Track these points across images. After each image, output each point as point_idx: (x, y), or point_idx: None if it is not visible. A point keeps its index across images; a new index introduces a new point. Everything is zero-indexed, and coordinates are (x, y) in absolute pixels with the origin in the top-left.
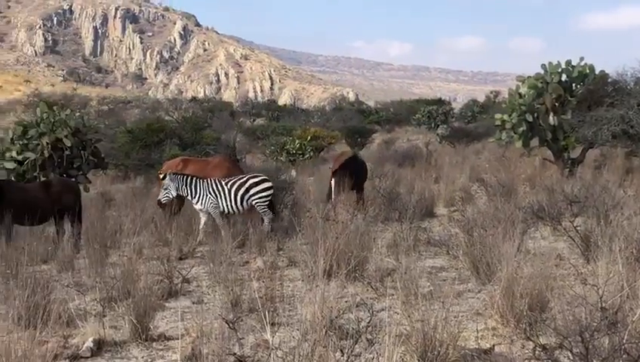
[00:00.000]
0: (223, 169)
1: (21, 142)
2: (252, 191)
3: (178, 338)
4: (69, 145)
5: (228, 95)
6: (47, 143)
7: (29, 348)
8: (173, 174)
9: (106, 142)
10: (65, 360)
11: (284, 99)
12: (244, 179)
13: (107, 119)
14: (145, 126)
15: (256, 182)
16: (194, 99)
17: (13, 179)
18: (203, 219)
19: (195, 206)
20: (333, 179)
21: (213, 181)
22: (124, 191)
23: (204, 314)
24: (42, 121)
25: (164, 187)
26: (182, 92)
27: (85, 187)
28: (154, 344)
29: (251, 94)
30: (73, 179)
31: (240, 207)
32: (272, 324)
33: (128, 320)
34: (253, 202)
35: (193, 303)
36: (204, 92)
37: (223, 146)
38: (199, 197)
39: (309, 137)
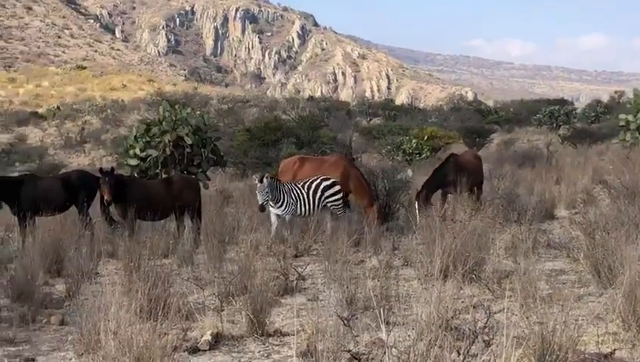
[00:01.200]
0: (339, 167)
1: (144, 140)
2: (327, 194)
3: (294, 334)
4: (190, 143)
5: (345, 94)
6: (169, 141)
7: (150, 340)
8: (271, 178)
9: (225, 141)
10: (184, 352)
11: (401, 99)
12: (317, 181)
13: (226, 118)
14: (263, 125)
15: (329, 185)
16: (311, 98)
17: (136, 175)
18: (276, 222)
19: (275, 210)
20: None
21: (291, 185)
22: (242, 188)
23: (319, 311)
24: (164, 119)
25: (265, 190)
26: (299, 91)
27: (205, 184)
28: (270, 339)
29: (368, 94)
30: (193, 177)
31: (316, 210)
32: (387, 323)
33: (245, 315)
34: (329, 204)
35: (308, 300)
36: (321, 91)
37: (340, 145)
38: (283, 202)
39: (425, 137)
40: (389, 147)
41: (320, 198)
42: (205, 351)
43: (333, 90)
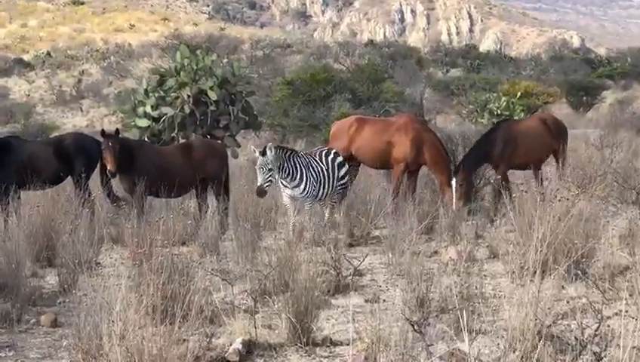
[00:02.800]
0: (409, 131)
1: (157, 95)
2: (342, 173)
3: (348, 344)
4: (215, 98)
5: (414, 38)
6: (189, 96)
7: (166, 347)
8: (278, 148)
9: (259, 96)
10: None
11: (486, 45)
12: (331, 155)
13: (262, 67)
14: (308, 76)
15: (342, 162)
16: (371, 42)
17: (146, 139)
18: (290, 208)
19: (291, 191)
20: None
21: (310, 158)
22: None
23: (380, 314)
24: (183, 68)
25: (268, 166)
26: (355, 34)
27: (234, 152)
28: (317, 349)
29: (444, 37)
30: (219, 142)
31: (332, 193)
32: (469, 330)
33: (285, 318)
34: (339, 188)
35: (367, 301)
36: (384, 34)
37: (408, 104)
38: (302, 180)
39: (518, 94)
40: (471, 106)
41: (337, 177)
42: None
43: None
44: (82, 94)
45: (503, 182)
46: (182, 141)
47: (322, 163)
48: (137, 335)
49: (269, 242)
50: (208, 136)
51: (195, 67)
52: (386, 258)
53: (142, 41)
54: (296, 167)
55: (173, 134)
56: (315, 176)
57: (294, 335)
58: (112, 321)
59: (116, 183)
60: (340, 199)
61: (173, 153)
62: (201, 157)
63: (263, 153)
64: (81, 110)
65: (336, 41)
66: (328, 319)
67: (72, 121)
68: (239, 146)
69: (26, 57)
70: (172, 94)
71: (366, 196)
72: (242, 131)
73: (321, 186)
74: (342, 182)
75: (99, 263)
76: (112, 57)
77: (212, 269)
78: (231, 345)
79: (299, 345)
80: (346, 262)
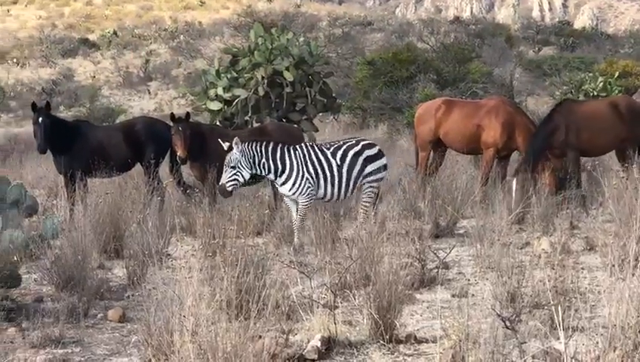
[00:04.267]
0: (500, 114)
1: (229, 76)
2: (370, 169)
3: (434, 341)
4: (291, 80)
5: (503, 14)
6: (263, 77)
7: (240, 344)
8: (247, 143)
9: (338, 77)
10: (285, 361)
11: (581, 21)
12: (357, 147)
13: (340, 46)
14: (390, 56)
15: (373, 155)
16: (457, 19)
17: (218, 123)
18: (292, 208)
19: (282, 189)
20: None
21: (309, 151)
22: None
23: (469, 310)
24: (257, 48)
25: (231, 164)
26: (440, 10)
27: (311, 136)
28: (400, 347)
29: (536, 13)
30: (296, 126)
31: (349, 193)
32: (565, 327)
33: (367, 314)
34: (366, 185)
35: (454, 296)
36: (471, 10)
37: (496, 85)
38: (290, 175)
39: (616, 74)
40: (565, 87)
41: (359, 175)
42: (313, 360)
43: (488, 9)
44: (150, 76)
45: (574, 171)
46: (256, 125)
47: (334, 157)
48: (210, 330)
49: (350, 233)
50: (284, 120)
51: (269, 46)
52: (474, 250)
53: (213, 19)
54: (283, 163)
55: (247, 118)
56: (314, 172)
57: (376, 332)
58: (184, 316)
59: (187, 170)
60: (371, 200)
61: (246, 137)
62: None
63: (229, 148)
64: (149, 92)
65: (420, 18)
66: (412, 315)
67: (140, 104)
68: (317, 130)
69: (91, 37)
70: (245, 75)
71: (452, 183)
72: (320, 114)
73: (328, 184)
74: (369, 179)
75: (169, 255)
76: (181, 36)
77: (289, 261)
78: (309, 341)
79: (381, 342)
80: (432, 254)
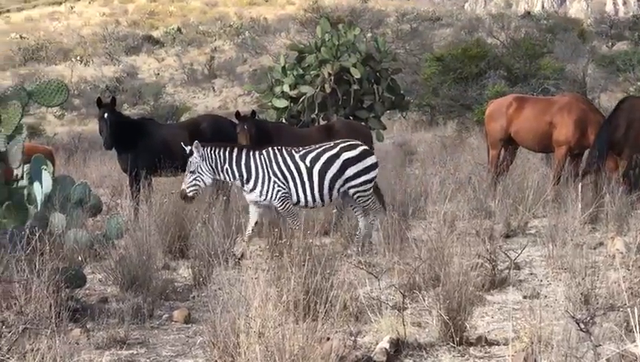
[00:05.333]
0: (573, 111)
1: (295, 73)
2: (350, 173)
3: (505, 344)
4: (358, 76)
5: (576, 9)
6: (330, 74)
7: (308, 345)
8: (208, 147)
9: (406, 74)
10: None
11: None
12: (335, 149)
13: (408, 42)
14: (460, 52)
15: (355, 156)
16: (528, 14)
17: (284, 121)
18: (253, 216)
19: (252, 196)
20: None
21: (276, 153)
22: (430, 141)
23: (541, 311)
24: (323, 44)
25: (190, 168)
26: (511, 5)
27: (378, 134)
28: (471, 349)
29: (609, 7)
30: (363, 123)
31: (327, 197)
32: None
33: (436, 315)
34: (352, 191)
35: (525, 297)
36: (542, 4)
37: (568, 81)
38: (256, 181)
39: None
40: (639, 83)
41: (335, 179)
42: None
43: (560, 4)
44: (214, 73)
45: (630, 170)
46: (323, 123)
47: (299, 162)
48: (277, 332)
49: (419, 233)
50: (351, 118)
51: (336, 43)
52: (546, 250)
53: (278, 15)
54: (248, 169)
55: (313, 115)
56: (281, 175)
57: (446, 334)
58: (251, 317)
59: None
60: (367, 206)
61: (313, 136)
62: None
63: (190, 153)
64: (214, 90)
65: (490, 13)
66: (483, 316)
67: (204, 102)
68: (384, 128)
69: (155, 34)
70: (312, 72)
71: (524, 182)
72: (387, 112)
73: (299, 189)
74: (353, 183)
75: (234, 255)
76: (246, 33)
77: (357, 262)
78: (377, 343)
79: (451, 344)
80: (503, 255)
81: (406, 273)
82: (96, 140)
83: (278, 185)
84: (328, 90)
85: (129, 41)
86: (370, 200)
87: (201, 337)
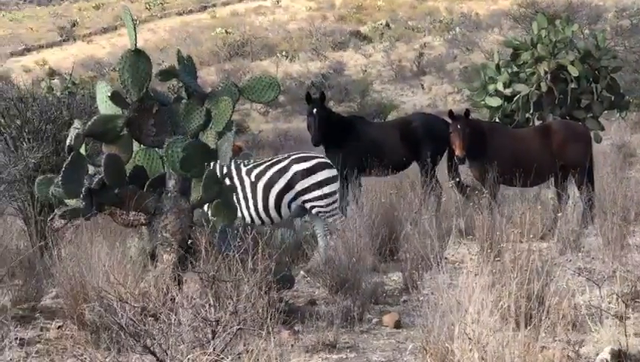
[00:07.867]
0: None
1: (510, 71)
2: (301, 187)
3: None
4: (576, 75)
5: None
6: (546, 72)
7: (527, 355)
8: None
9: (625, 72)
10: None
11: None
12: (285, 162)
13: (628, 39)
14: None
15: (307, 168)
16: None
17: (498, 121)
18: None
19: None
20: None
21: (222, 169)
22: None
23: None
24: (540, 40)
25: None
26: None
27: (596, 135)
28: None
29: None
30: (581, 124)
31: (274, 214)
32: None
33: None
34: (309, 205)
35: None
36: None
37: None
38: None
39: None
40: None
41: (281, 195)
42: None
43: None
44: (424, 70)
45: None
46: (538, 123)
47: (248, 174)
48: (493, 340)
49: None
50: (567, 118)
51: (553, 39)
52: None
53: (490, 10)
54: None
55: (528, 115)
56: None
57: None
58: (465, 324)
59: (465, 170)
60: (327, 216)
61: (529, 137)
62: (561, 142)
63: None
64: (422, 87)
65: None
66: None
67: (412, 100)
68: (603, 129)
69: (362, 29)
70: (527, 70)
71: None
72: (605, 112)
73: (242, 206)
74: (307, 197)
75: (445, 258)
76: (457, 28)
77: (575, 268)
78: (597, 354)
79: None
80: None
81: (628, 281)
82: (302, 138)
83: None
84: (544, 89)
85: (336, 36)
86: (334, 217)
87: (412, 343)
